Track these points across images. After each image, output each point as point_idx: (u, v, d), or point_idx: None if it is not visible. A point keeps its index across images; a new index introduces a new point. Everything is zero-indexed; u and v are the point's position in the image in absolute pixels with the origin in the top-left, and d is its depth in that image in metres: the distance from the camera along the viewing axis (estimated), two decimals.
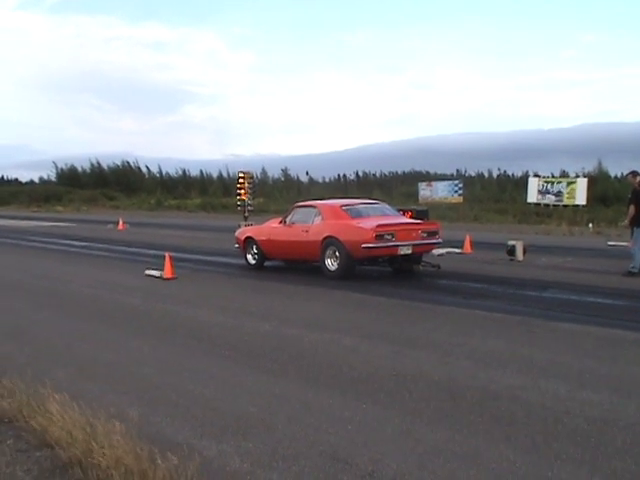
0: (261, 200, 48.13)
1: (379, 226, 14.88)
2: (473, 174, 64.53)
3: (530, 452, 5.32)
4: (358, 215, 15.99)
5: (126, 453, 4.88)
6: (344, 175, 71.45)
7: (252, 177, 29.50)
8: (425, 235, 15.66)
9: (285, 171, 74.84)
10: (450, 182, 51.90)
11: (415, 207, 23.16)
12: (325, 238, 15.36)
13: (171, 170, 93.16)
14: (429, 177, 60.73)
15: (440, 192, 50.09)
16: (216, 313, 11.74)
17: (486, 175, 64.24)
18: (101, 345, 9.45)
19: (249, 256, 18.09)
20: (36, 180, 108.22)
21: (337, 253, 15.21)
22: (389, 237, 14.90)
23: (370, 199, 19.80)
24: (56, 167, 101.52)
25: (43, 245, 26.69)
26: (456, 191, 49.44)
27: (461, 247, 21.22)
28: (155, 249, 22.58)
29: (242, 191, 28.71)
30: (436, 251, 19.11)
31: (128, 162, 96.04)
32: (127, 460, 4.73)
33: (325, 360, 8.37)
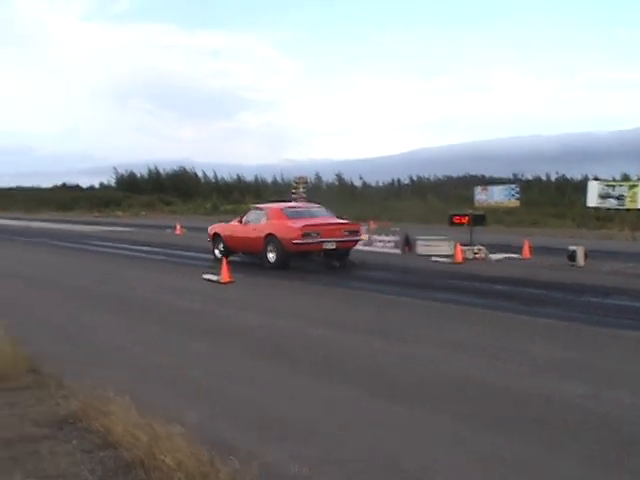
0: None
1: (306, 226, 18.19)
2: (530, 178, 63.48)
3: (585, 461, 5.22)
4: (294, 217, 19.18)
5: (187, 456, 4.92)
6: (398, 179, 71.01)
7: (306, 182, 29.66)
8: (347, 233, 18.93)
9: (339, 176, 74.73)
10: (506, 186, 50.87)
11: (472, 212, 22.96)
12: (267, 235, 18.62)
13: (226, 175, 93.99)
14: (484, 181, 59.97)
15: (496, 196, 49.24)
16: (272, 317, 11.81)
17: (543, 179, 63.12)
18: (161, 348, 9.58)
19: (216, 251, 21.19)
20: (97, 186, 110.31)
21: (275, 247, 18.40)
22: (315, 235, 18.14)
23: (313, 203, 23.26)
24: (116, 173, 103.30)
25: (104, 250, 27.16)
26: (512, 195, 48.49)
27: (519, 252, 20.92)
28: (212, 254, 22.77)
29: (297, 196, 28.87)
30: (494, 256, 19.04)
31: (185, 168, 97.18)
32: (189, 463, 4.77)
33: (373, 365, 8.36)
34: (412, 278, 16.99)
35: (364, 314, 12.25)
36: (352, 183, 72.19)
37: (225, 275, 15.79)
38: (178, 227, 36.45)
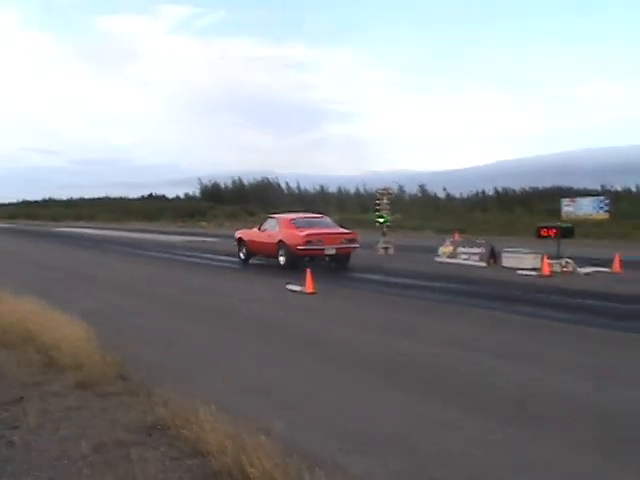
0: (398, 216, 48.03)
1: (309, 234, 21.23)
2: (619, 189, 61.64)
3: None
4: (302, 226, 22.15)
5: (274, 467, 4.94)
6: (482, 191, 70.02)
7: (390, 193, 29.48)
8: (346, 241, 21.95)
9: (422, 187, 74.20)
10: (594, 198, 49.74)
11: (560, 224, 22.46)
12: (279, 241, 21.74)
13: (309, 186, 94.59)
14: (572, 193, 58.54)
15: (584, 208, 48.15)
16: (355, 329, 11.79)
17: (634, 190, 61.20)
18: (247, 358, 9.67)
19: (241, 253, 24.71)
20: (182, 196, 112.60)
21: (285, 252, 21.43)
22: (317, 242, 21.22)
23: (317, 214, 27.12)
24: (201, 184, 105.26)
25: (190, 259, 27.66)
26: (601, 207, 47.33)
27: (609, 266, 20.29)
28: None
29: (380, 207, 28.75)
30: (582, 270, 18.55)
31: (268, 179, 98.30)
32: (276, 474, 4.78)
33: (467, 380, 8.23)
34: (498, 291, 16.67)
35: (451, 328, 12.06)
36: (435, 195, 71.59)
37: (309, 286, 15.84)
38: None
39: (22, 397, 7.27)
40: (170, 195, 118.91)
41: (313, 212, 29.12)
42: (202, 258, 27.81)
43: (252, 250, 24.02)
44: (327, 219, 24.60)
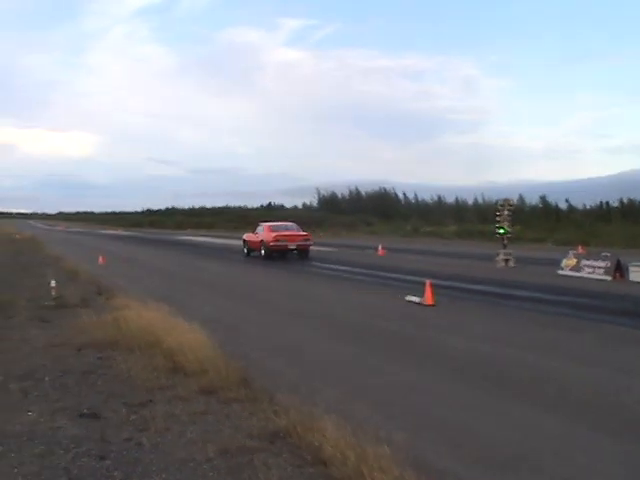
0: (518, 228, 46.93)
1: (277, 235, 32.08)
2: None
3: None
4: (275, 230, 33.27)
5: (394, 479, 4.91)
6: (607, 202, 67.45)
7: (511, 205, 28.86)
8: (303, 240, 32.78)
9: (543, 198, 72.21)
10: None
11: None
12: (260, 240, 32.84)
13: (426, 197, 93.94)
14: None
15: None
16: (476, 341, 11.56)
17: None
18: (365, 369, 9.65)
19: (245, 249, 36.04)
20: (299, 206, 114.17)
21: (263, 247, 32.37)
22: (284, 240, 31.99)
23: (288, 222, 37.32)
24: (318, 194, 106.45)
25: (308, 268, 27.92)
26: None
27: None
28: (414, 275, 22.75)
29: (501, 219, 28.20)
30: None
31: (385, 189, 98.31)
32: None
33: (594, 396, 7.94)
34: (628, 306, 16.02)
35: (582, 344, 11.67)
36: (557, 206, 69.49)
37: (429, 297, 15.68)
38: (380, 248, 36.78)
39: (150, 400, 7.52)
40: (288, 205, 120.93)
41: (293, 223, 37.44)
42: (320, 268, 28.01)
43: (250, 247, 35.27)
44: (294, 225, 35.48)
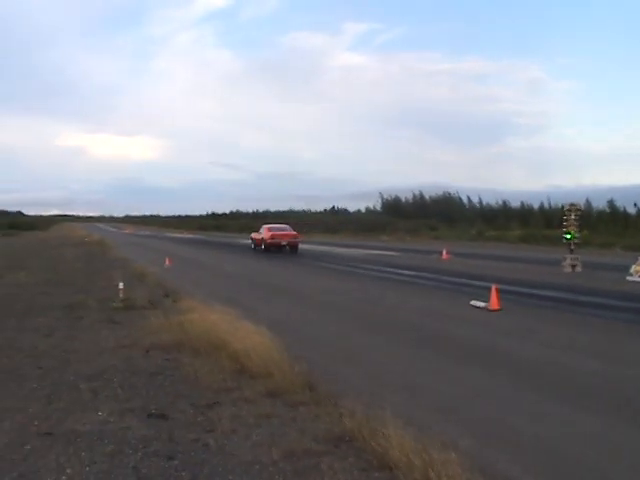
0: (585, 232, 46.02)
1: (272, 235, 42.37)
2: None
3: None
4: (272, 230, 43.77)
5: None
6: None
7: (579, 209, 28.33)
8: (293, 238, 42.67)
9: (610, 203, 70.62)
10: None
11: None
12: (261, 238, 43.38)
13: (491, 201, 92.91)
14: None
15: None
16: (543, 348, 11.36)
17: None
18: (429, 373, 9.60)
19: (252, 245, 46.50)
20: (363, 210, 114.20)
21: (263, 243, 42.77)
22: (278, 238, 42.16)
23: (284, 224, 48.17)
24: (382, 198, 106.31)
25: (371, 273, 27.86)
26: None
27: None
28: (478, 280, 22.51)
29: (568, 223, 27.71)
30: None
31: (449, 193, 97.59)
32: None
33: None
34: None
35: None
36: (625, 210, 67.86)
37: (494, 303, 15.49)
38: (444, 252, 36.49)
39: (216, 402, 7.60)
40: (351, 209, 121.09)
41: (288, 225, 48.47)
42: (383, 272, 27.92)
43: (255, 244, 45.92)
44: (287, 227, 46.29)
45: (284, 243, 42.31)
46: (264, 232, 43.86)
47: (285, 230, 44.69)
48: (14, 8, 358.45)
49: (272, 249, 42.16)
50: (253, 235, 47.52)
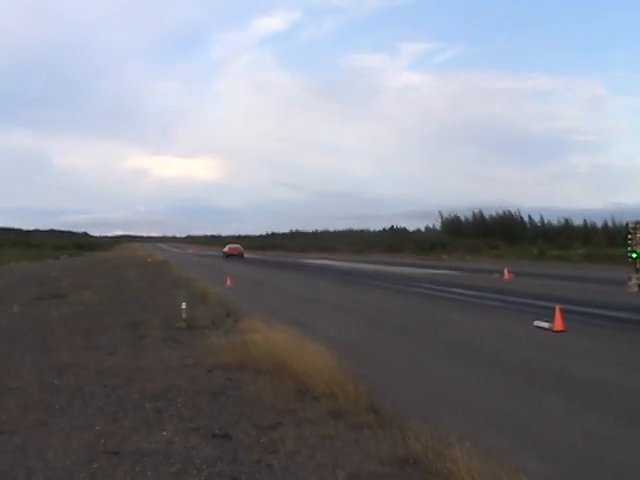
0: None
1: (229, 249, 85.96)
2: None
3: None
4: (230, 246, 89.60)
5: None
6: None
7: None
8: (240, 250, 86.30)
9: None
10: None
11: None
12: (225, 251, 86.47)
13: (552, 219, 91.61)
14: None
15: None
16: (614, 371, 11.07)
17: None
18: (495, 394, 9.45)
19: (223, 255, 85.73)
20: (422, 229, 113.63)
21: (224, 254, 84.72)
22: (234, 251, 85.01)
23: (236, 244, 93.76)
24: (441, 216, 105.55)
25: (432, 292, 27.63)
26: None
27: None
28: (542, 300, 22.12)
29: (633, 241, 27.09)
30: None
31: (510, 212, 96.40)
32: None
33: None
34: None
35: None
36: None
37: (558, 323, 15.18)
38: (506, 272, 35.99)
39: (279, 422, 7.60)
40: (410, 227, 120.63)
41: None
42: (444, 292, 27.67)
43: (224, 253, 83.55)
44: (238, 245, 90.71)
45: (236, 254, 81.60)
46: (227, 246, 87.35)
47: (237, 245, 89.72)
48: (80, 35, 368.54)
49: (228, 256, 79.95)
50: (224, 248, 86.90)
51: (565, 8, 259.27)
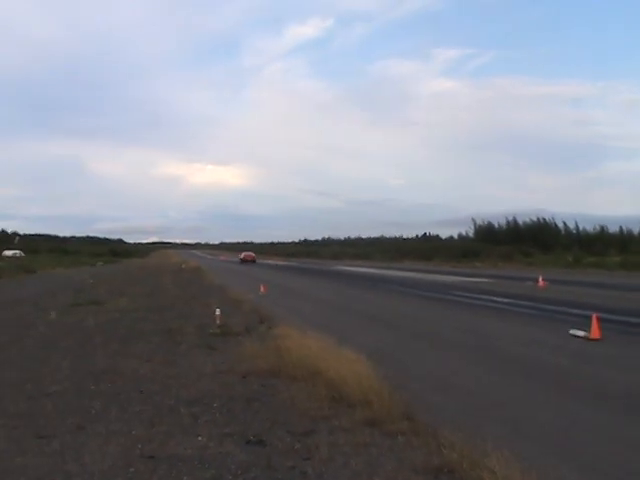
0: None
1: (245, 256, 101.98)
2: None
3: None
4: (245, 253, 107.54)
5: None
6: None
7: None
8: (254, 257, 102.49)
9: None
10: None
11: None
12: (240, 257, 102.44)
13: (587, 226, 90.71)
14: None
15: None
16: None
17: None
18: (531, 404, 9.37)
19: (240, 261, 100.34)
20: (455, 236, 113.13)
21: (240, 260, 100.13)
22: (246, 257, 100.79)
23: (251, 251, 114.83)
24: (474, 224, 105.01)
25: (466, 300, 27.47)
26: None
27: None
28: (577, 308, 21.90)
29: None
30: None
31: (544, 219, 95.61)
32: None
33: None
34: None
35: None
36: None
37: (595, 332, 15.01)
38: (540, 279, 35.67)
39: (313, 429, 7.60)
40: (443, 235, 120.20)
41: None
42: (479, 299, 27.48)
43: (240, 259, 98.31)
44: (252, 252, 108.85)
45: (249, 259, 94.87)
46: (243, 253, 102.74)
47: (251, 252, 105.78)
48: (116, 44, 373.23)
49: (243, 262, 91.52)
50: (240, 254, 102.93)
51: (600, 12, 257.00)
